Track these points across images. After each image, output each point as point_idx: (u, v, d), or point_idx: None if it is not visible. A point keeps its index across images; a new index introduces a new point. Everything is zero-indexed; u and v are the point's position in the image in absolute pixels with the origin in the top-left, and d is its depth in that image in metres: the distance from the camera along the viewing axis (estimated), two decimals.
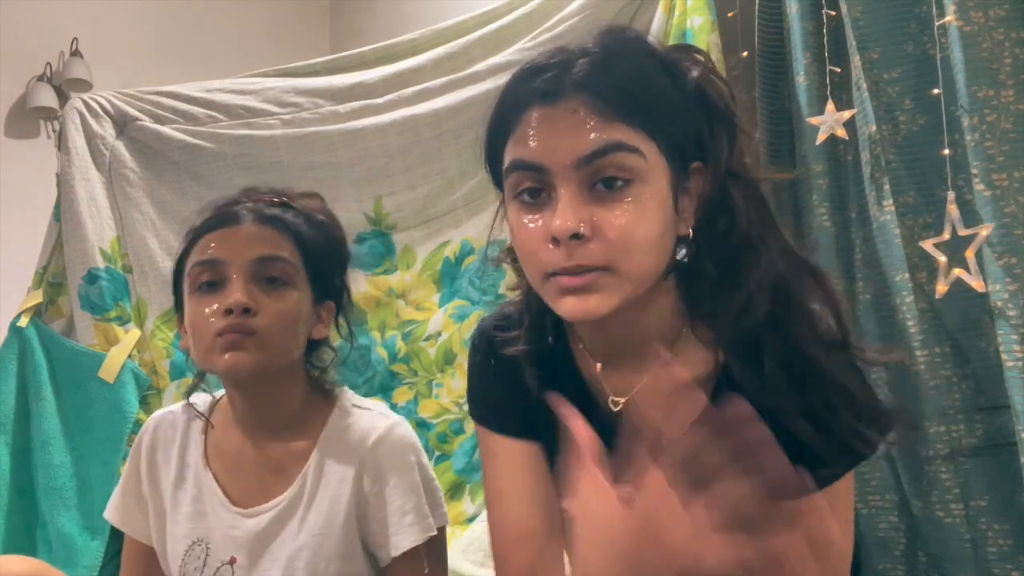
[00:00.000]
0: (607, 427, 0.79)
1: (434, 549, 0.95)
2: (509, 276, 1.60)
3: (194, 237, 0.97)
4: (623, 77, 0.67)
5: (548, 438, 0.83)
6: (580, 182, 0.66)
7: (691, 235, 0.71)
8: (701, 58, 0.72)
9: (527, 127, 0.68)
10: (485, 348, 0.86)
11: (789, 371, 0.70)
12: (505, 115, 0.71)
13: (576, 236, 0.65)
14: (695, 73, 0.70)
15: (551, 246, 0.66)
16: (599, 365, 0.79)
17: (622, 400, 0.77)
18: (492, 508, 0.85)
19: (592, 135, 0.65)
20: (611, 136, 0.65)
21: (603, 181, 0.66)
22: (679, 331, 0.76)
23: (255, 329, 0.89)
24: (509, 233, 0.73)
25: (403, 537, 0.92)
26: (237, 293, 0.89)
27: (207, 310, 0.90)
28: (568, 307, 0.67)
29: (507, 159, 0.70)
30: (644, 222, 0.66)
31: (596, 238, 0.65)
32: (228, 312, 0.88)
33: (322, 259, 0.99)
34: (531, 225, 0.68)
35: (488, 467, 0.86)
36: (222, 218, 0.96)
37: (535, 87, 0.68)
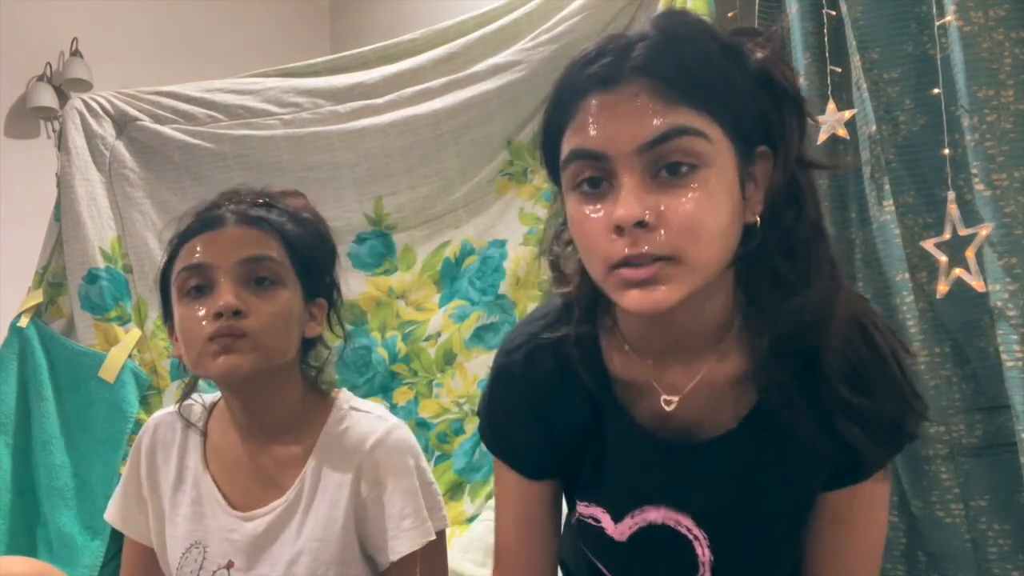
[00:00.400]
0: (635, 436, 0.78)
1: (434, 553, 0.95)
2: (509, 276, 1.62)
3: (178, 244, 0.95)
4: (684, 59, 0.64)
5: (570, 467, 0.83)
6: (643, 169, 0.63)
7: (759, 223, 0.67)
8: (768, 42, 0.69)
9: (586, 115, 0.65)
10: (507, 380, 0.83)
11: (853, 365, 0.70)
12: (562, 105, 0.68)
13: (641, 224, 0.62)
14: (759, 55, 0.67)
15: (614, 236, 0.63)
16: (651, 362, 0.76)
17: (675, 399, 0.75)
18: (496, 526, 0.88)
19: (655, 120, 0.62)
20: (675, 120, 0.62)
21: (667, 167, 0.63)
22: (732, 325, 0.73)
23: (247, 331, 0.87)
24: (570, 226, 0.69)
25: (402, 542, 0.91)
26: (227, 295, 0.88)
27: (197, 315, 0.89)
28: (633, 300, 0.64)
29: (565, 149, 0.67)
30: (711, 208, 0.63)
31: (662, 226, 0.62)
32: (218, 316, 0.87)
33: (310, 256, 0.97)
34: (593, 216, 0.65)
35: (496, 489, 0.89)
36: (205, 222, 0.95)
37: (592, 73, 0.65)
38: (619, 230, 0.63)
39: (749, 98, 0.66)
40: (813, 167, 0.69)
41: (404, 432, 0.97)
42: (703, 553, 0.77)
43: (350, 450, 0.94)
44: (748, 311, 0.71)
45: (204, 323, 0.88)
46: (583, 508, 0.83)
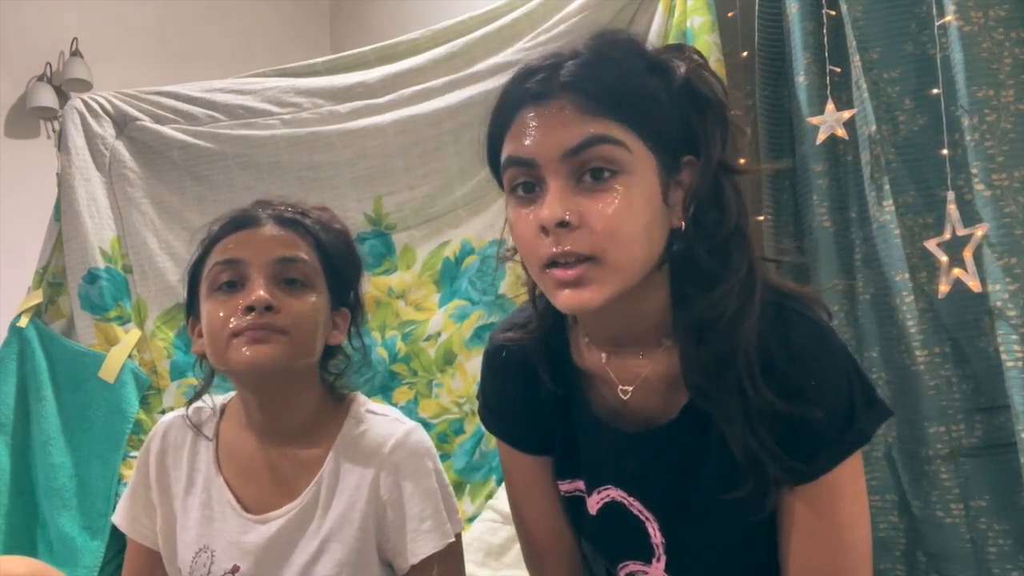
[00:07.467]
0: (595, 424, 0.82)
1: (452, 555, 0.94)
2: (509, 276, 1.62)
3: (211, 241, 0.96)
4: (608, 76, 0.70)
5: (558, 438, 0.88)
6: (568, 174, 0.69)
7: (683, 227, 0.72)
8: (694, 55, 0.74)
9: (520, 126, 0.72)
10: (495, 364, 0.90)
11: (771, 362, 0.71)
12: (502, 116, 0.75)
13: (563, 224, 0.68)
14: (684, 69, 0.72)
15: (542, 236, 0.69)
16: (604, 355, 0.81)
17: (630, 388, 0.79)
18: (513, 508, 0.95)
19: (577, 129, 0.68)
20: (596, 130, 0.68)
21: (590, 172, 0.69)
22: (671, 323, 0.77)
23: (282, 327, 0.88)
24: (508, 228, 0.75)
25: (422, 544, 0.91)
26: (260, 291, 0.88)
27: (226, 309, 0.89)
28: (564, 300, 0.70)
29: (503, 156, 0.74)
30: (630, 212, 0.68)
31: (584, 227, 0.68)
32: (249, 310, 0.87)
33: (339, 265, 0.98)
34: (525, 217, 0.71)
35: (504, 470, 0.95)
36: (241, 221, 0.96)
37: (527, 88, 0.72)
38: (544, 230, 0.69)
39: (674, 111, 0.72)
40: (735, 173, 0.74)
41: (422, 435, 0.97)
42: (655, 535, 0.80)
43: (368, 453, 0.94)
44: (676, 311, 0.75)
45: (233, 319, 0.88)
46: (564, 485, 0.88)
